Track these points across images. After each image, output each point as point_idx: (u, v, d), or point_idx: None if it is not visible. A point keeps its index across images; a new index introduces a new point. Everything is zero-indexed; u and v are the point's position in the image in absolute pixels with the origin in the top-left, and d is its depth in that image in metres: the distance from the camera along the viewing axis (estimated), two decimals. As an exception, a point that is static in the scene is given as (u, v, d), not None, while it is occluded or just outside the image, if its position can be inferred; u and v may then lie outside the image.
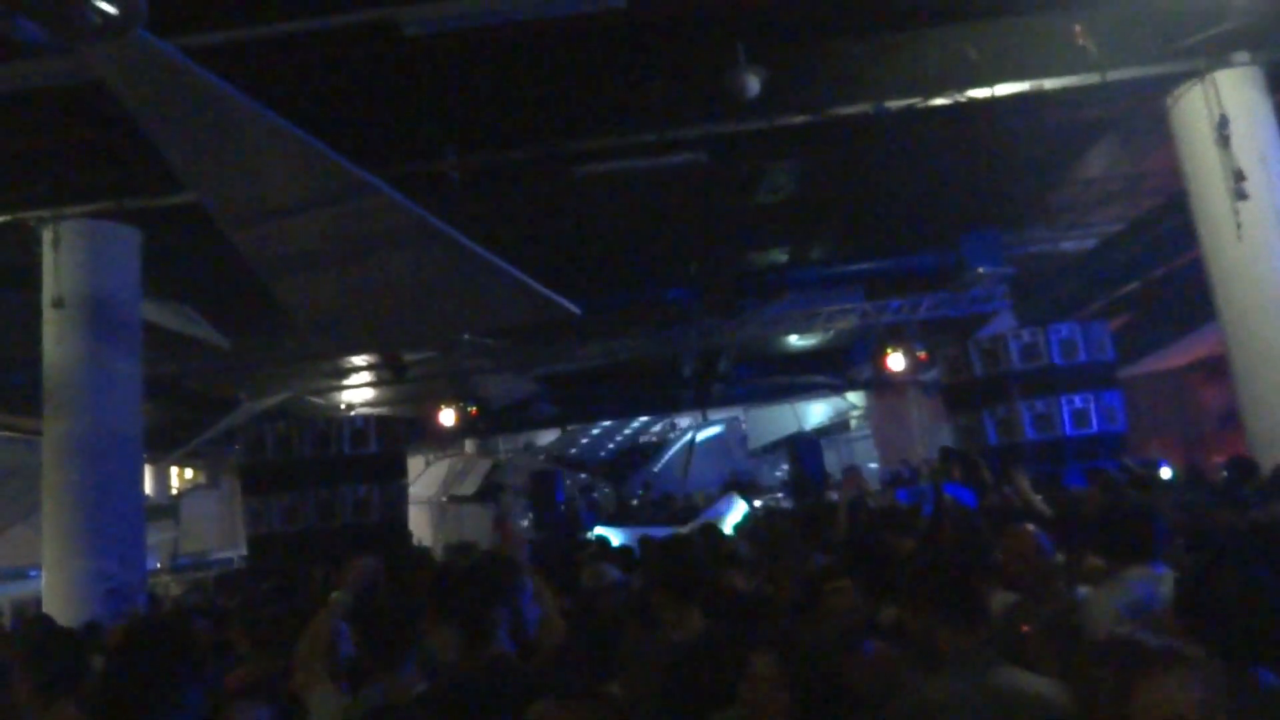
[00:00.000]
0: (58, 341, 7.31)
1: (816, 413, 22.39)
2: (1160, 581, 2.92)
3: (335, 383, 15.64)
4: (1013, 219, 10.88)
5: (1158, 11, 6.59)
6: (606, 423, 21.81)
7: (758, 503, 13.13)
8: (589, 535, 9.88)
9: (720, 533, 6.77)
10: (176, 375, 12.56)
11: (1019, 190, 10.05)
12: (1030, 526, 3.32)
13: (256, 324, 10.79)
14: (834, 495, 10.70)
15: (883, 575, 3.15)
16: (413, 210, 4.26)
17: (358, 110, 6.74)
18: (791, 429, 21.72)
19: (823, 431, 21.86)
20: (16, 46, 4.24)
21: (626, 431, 23.18)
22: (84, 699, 2.76)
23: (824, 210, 10.20)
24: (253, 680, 3.29)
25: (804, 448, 15.87)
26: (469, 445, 21.76)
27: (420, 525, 17.21)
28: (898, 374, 13.91)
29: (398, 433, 11.30)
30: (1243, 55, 7.05)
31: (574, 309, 4.78)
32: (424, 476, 20.42)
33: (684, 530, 7.60)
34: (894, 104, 6.99)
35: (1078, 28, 6.44)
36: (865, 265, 11.60)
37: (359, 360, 14.29)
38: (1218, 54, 6.97)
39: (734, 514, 9.06)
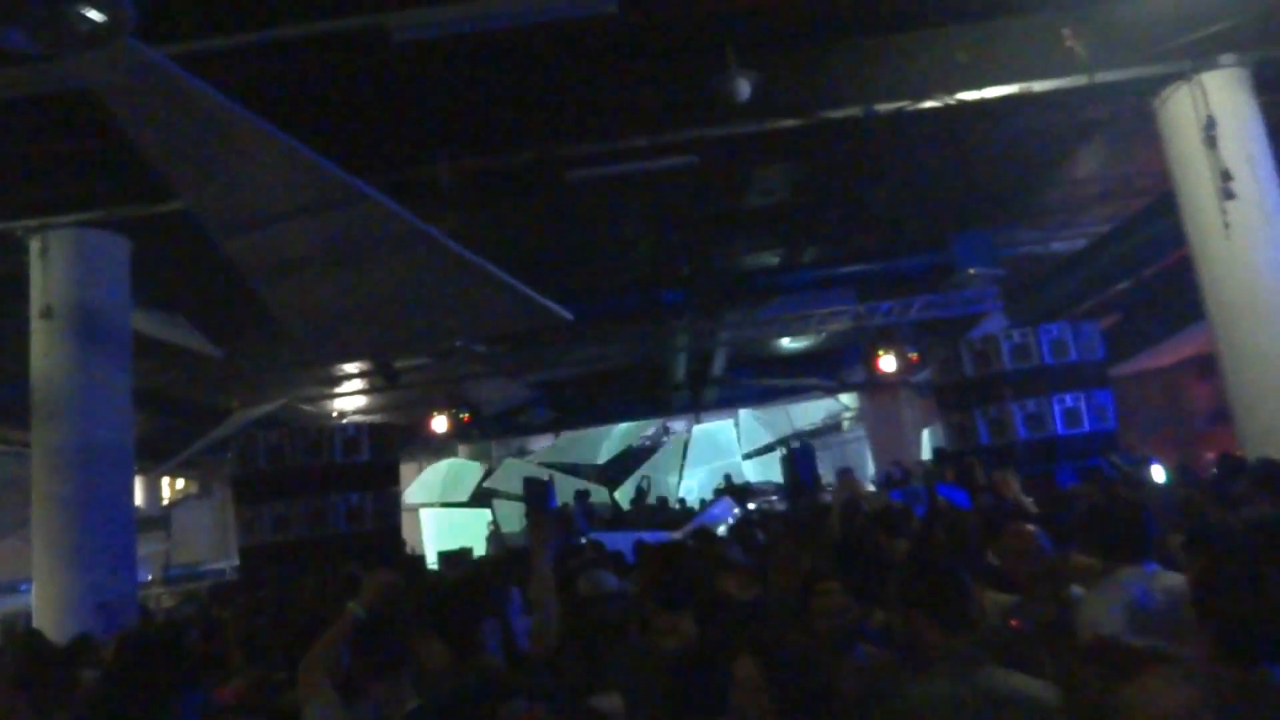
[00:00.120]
0: (46, 352, 7.25)
1: (809, 415, 22.42)
2: (1154, 580, 2.92)
3: (327, 391, 15.58)
4: (1003, 220, 10.92)
5: (1145, 14, 6.64)
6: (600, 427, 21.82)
7: (751, 506, 13.12)
8: (583, 540, 9.86)
9: (714, 537, 6.76)
10: (167, 385, 12.49)
11: (1009, 191, 10.09)
12: (1030, 526, 3.31)
13: (248, 332, 10.74)
14: (828, 498, 10.71)
15: (873, 577, 3.14)
16: (404, 216, 4.25)
17: (348, 116, 6.72)
18: (785, 432, 21.74)
19: (816, 433, 21.88)
20: (3, 55, 4.21)
21: (621, 435, 23.16)
22: (76, 714, 2.73)
23: (815, 213, 10.23)
24: (245, 692, 3.27)
25: (797, 450, 15.88)
26: (462, 451, 21.70)
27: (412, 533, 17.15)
28: (890, 375, 13.91)
29: (390, 440, 11.27)
30: (1229, 57, 7.10)
31: (566, 315, 4.77)
32: (416, 483, 20.39)
33: (677, 535, 7.60)
34: (884, 107, 7.01)
35: (1066, 30, 6.49)
36: (857, 267, 11.62)
37: (351, 368, 14.24)
38: (1204, 56, 7.02)
39: (728, 518, 9.06)
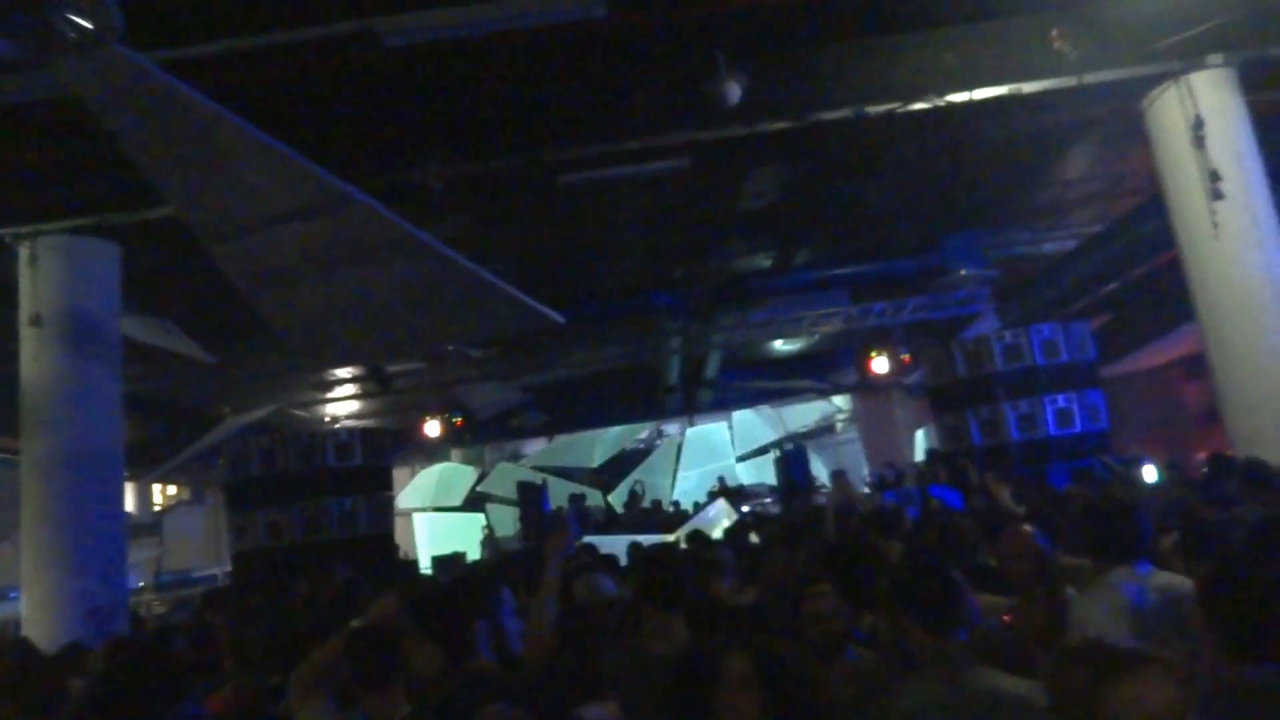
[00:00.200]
0: (35, 359, 7.21)
1: (803, 417, 22.44)
2: (1147, 581, 2.93)
3: (319, 396, 15.53)
4: (994, 221, 10.97)
5: (1132, 14, 6.67)
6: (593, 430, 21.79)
7: (745, 508, 13.12)
8: (577, 544, 9.84)
9: (707, 540, 6.76)
10: (158, 391, 12.43)
11: (1000, 193, 10.13)
12: (1028, 527, 3.31)
13: (239, 338, 10.70)
14: (822, 500, 10.72)
15: (865, 580, 3.14)
16: (395, 221, 4.25)
17: (338, 122, 6.70)
18: (778, 434, 21.76)
19: (809, 435, 21.91)
20: (-10, 62, 4.19)
21: (615, 438, 23.12)
22: (66, 723, 2.71)
23: (807, 215, 10.25)
24: (238, 699, 3.25)
25: (790, 453, 15.89)
26: (455, 455, 21.65)
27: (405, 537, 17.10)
28: (882, 377, 13.95)
29: (383, 445, 11.25)
30: (1216, 57, 7.13)
31: (558, 318, 4.77)
32: (409, 487, 20.34)
33: (671, 538, 7.60)
34: (874, 109, 7.03)
35: (1054, 32, 6.51)
36: (849, 269, 11.67)
37: (343, 373, 14.19)
38: (1192, 56, 7.06)
39: (722, 520, 9.06)
